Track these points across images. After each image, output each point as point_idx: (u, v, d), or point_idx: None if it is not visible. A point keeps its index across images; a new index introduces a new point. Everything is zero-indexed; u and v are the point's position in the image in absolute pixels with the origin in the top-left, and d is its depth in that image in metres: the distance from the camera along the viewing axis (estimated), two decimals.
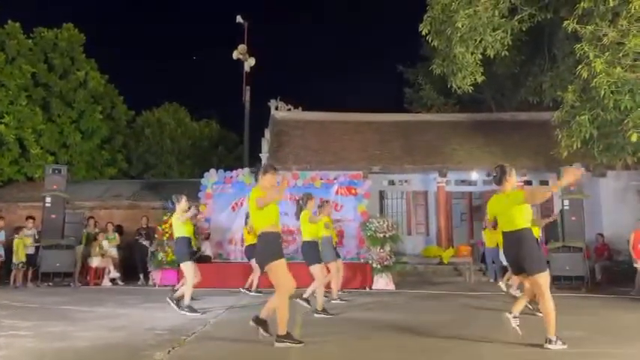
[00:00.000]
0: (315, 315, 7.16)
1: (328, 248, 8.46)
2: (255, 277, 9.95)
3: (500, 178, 5.19)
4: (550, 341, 4.88)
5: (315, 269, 7.46)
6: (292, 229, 12.17)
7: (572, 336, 5.53)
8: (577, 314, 7.41)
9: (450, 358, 4.75)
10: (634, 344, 5.30)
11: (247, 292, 9.98)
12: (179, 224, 7.72)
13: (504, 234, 5.22)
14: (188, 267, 7.59)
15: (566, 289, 10.85)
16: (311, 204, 7.72)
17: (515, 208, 5.00)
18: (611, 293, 10.34)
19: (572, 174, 5.13)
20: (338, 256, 9.35)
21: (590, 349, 5.02)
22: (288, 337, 4.99)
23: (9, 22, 18.37)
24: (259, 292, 9.85)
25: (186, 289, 7.53)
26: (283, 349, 4.86)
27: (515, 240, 5.05)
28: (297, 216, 7.73)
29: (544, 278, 4.94)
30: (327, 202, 8.78)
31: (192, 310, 7.31)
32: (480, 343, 5.20)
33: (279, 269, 5.10)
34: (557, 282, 11.19)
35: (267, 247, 5.17)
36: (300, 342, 5.00)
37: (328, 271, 8.17)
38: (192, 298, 7.68)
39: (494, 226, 8.29)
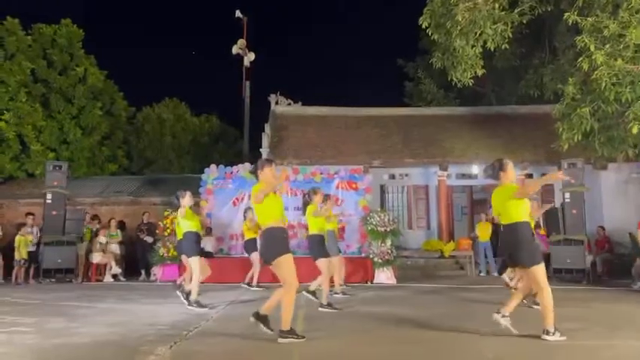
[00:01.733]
0: (320, 309, 7.17)
1: (332, 242, 8.50)
2: (255, 272, 9.99)
3: (497, 173, 5.19)
4: (548, 332, 4.91)
5: (322, 263, 7.47)
6: (293, 223, 12.29)
7: (571, 328, 5.54)
8: (577, 306, 7.42)
9: (450, 351, 4.75)
10: (632, 336, 5.30)
11: (248, 286, 10.01)
12: (182, 220, 7.71)
13: (502, 227, 5.24)
14: (195, 262, 7.59)
15: (568, 281, 10.86)
16: (317, 198, 7.74)
17: (510, 202, 5.01)
18: (613, 286, 10.36)
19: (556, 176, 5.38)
20: (339, 250, 9.43)
21: (588, 340, 5.03)
22: (291, 332, 4.99)
23: (8, 18, 18.33)
24: (260, 286, 9.88)
25: (193, 285, 7.54)
26: (286, 343, 4.87)
27: (510, 233, 5.07)
28: (303, 210, 7.76)
29: (540, 270, 4.96)
30: (328, 196, 8.79)
31: (200, 305, 7.34)
32: (479, 336, 5.19)
33: (285, 264, 5.07)
34: (558, 275, 11.21)
35: (273, 243, 5.13)
36: (303, 337, 5.01)
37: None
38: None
39: (493, 220, 8.39)
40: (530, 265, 4.96)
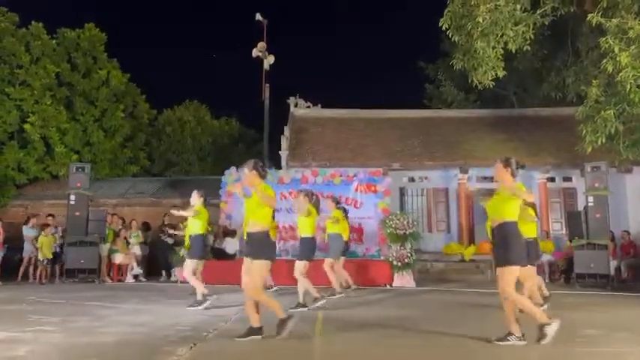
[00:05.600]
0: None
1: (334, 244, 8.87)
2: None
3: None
4: None
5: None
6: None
7: (594, 334, 5.45)
8: (600, 312, 7.29)
9: (469, 356, 4.70)
10: None
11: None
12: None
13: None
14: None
15: (591, 287, 10.67)
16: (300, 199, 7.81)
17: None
18: (638, 291, 10.13)
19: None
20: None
21: (611, 347, 4.94)
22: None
23: (33, 22, 18.69)
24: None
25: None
26: (301, 344, 4.89)
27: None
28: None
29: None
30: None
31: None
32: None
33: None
34: (581, 280, 11.03)
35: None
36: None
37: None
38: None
39: None
40: None
